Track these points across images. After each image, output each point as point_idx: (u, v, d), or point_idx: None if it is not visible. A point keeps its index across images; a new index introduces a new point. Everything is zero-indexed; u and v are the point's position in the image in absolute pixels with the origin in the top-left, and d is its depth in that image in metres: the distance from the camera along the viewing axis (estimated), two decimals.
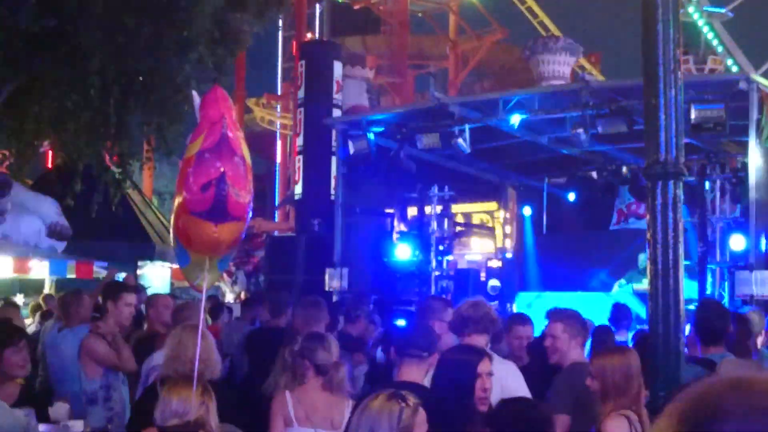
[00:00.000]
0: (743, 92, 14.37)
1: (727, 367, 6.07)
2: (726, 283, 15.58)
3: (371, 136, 17.98)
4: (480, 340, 6.12)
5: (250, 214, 5.60)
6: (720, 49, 45.64)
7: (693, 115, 13.94)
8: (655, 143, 6.10)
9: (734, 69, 44.38)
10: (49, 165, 31.30)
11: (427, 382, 5.55)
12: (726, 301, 14.81)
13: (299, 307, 9.41)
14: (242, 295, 24.97)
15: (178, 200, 5.50)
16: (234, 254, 6.06)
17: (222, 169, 5.25)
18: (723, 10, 45.88)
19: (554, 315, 6.81)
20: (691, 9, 43.14)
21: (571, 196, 20.90)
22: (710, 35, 45.69)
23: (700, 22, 45.34)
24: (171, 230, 5.79)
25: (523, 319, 8.13)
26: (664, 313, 6.07)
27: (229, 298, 26.90)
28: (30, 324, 13.85)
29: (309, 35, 43.33)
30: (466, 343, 6.05)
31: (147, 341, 8.28)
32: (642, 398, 5.37)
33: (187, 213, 5.43)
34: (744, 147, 15.30)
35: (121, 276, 15.78)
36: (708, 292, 15.67)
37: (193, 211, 5.37)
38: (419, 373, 5.59)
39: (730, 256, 15.90)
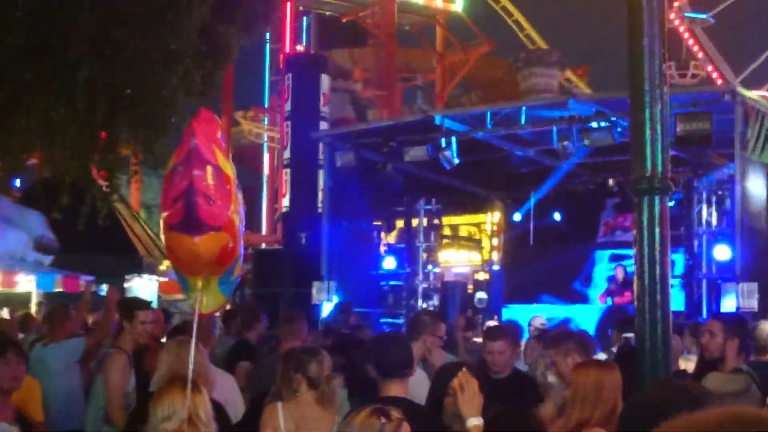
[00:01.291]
0: (728, 104, 14.43)
1: (712, 381, 6.08)
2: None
3: (358, 149, 18.00)
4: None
5: (239, 226, 5.50)
6: (700, 55, 45.87)
7: (678, 128, 13.98)
8: (642, 158, 6.09)
9: (714, 75, 44.64)
10: (36, 178, 31.21)
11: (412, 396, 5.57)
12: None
13: (280, 322, 9.47)
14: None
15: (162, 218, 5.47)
16: (236, 275, 5.94)
17: (191, 179, 5.19)
18: (704, 17, 46.08)
19: (550, 343, 6.83)
20: (672, 15, 43.31)
21: (557, 215, 20.90)
22: (691, 41, 45.87)
23: (682, 29, 45.54)
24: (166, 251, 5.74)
25: (494, 334, 8.10)
26: (651, 329, 6.02)
27: None
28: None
29: (297, 48, 43.35)
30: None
31: (136, 355, 8.21)
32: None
33: (167, 229, 5.40)
34: (730, 159, 15.36)
35: (103, 288, 15.74)
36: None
37: (170, 225, 5.34)
38: (402, 388, 5.59)
39: (716, 269, 15.94)
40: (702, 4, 46.50)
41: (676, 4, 44.83)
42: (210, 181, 5.24)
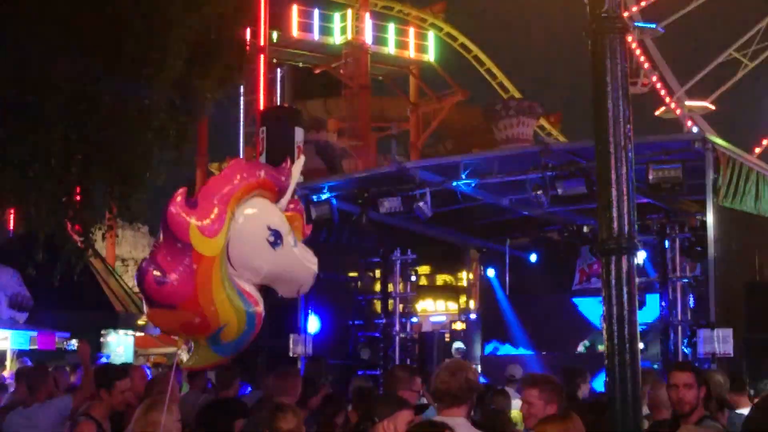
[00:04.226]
0: (700, 152, 14.56)
1: None
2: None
3: (333, 201, 18.00)
4: (458, 412, 5.89)
5: (198, 303, 5.17)
6: (647, 65, 46.28)
7: (651, 176, 14.11)
8: (608, 218, 6.11)
9: (658, 85, 45.16)
10: (11, 229, 31.02)
11: None
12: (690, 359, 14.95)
13: (271, 377, 9.37)
14: None
15: None
16: (230, 339, 5.68)
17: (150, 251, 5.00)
18: (654, 26, 46.43)
19: (528, 380, 6.80)
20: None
21: (533, 257, 20.94)
22: (639, 51, 46.26)
23: (631, 38, 45.85)
24: None
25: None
26: (621, 389, 6.00)
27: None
28: None
29: (271, 100, 43.44)
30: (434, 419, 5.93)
31: (120, 415, 7.96)
32: None
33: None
34: (703, 205, 15.46)
35: (73, 343, 15.55)
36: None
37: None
38: None
39: (691, 314, 16.00)
40: (652, 14, 46.98)
41: (626, 13, 45.29)
42: (169, 252, 4.98)
